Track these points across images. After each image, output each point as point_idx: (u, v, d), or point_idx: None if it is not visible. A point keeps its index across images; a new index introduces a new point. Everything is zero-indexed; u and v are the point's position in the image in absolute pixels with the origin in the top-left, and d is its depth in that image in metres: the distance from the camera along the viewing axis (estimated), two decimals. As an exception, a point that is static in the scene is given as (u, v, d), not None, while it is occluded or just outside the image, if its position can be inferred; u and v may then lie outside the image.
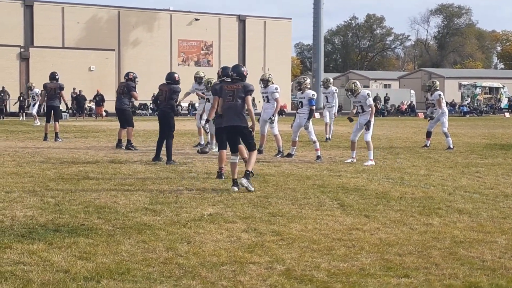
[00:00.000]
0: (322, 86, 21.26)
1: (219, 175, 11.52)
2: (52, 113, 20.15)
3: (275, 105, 15.59)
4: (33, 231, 7.06)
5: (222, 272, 5.71)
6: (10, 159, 14.39)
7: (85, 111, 44.28)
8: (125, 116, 17.38)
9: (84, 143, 19.49)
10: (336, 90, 21.28)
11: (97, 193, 9.69)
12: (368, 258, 6.20)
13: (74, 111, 43.86)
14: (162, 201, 9.06)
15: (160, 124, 14.21)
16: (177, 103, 15.27)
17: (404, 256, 6.27)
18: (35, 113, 30.51)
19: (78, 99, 43.52)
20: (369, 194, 9.96)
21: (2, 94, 40.42)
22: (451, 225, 7.74)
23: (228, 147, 10.80)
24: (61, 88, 20.26)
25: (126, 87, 17.26)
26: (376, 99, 34.93)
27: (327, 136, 20.78)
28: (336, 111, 21.57)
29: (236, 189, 10.14)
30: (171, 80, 14.34)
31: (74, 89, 45.16)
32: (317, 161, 14.68)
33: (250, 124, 10.50)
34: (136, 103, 46.48)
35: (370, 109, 14.42)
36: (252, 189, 10.06)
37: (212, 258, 6.13)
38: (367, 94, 14.56)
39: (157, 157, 14.13)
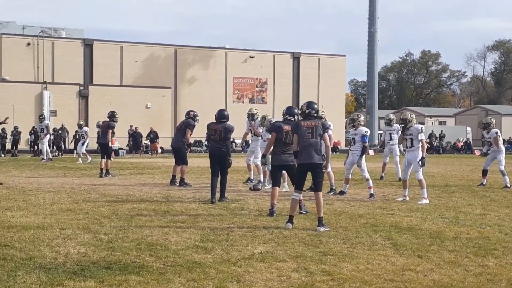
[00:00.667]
0: (385, 123, 20.75)
1: (271, 212, 11.52)
2: (101, 150, 20.75)
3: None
4: (85, 268, 7.15)
5: (271, 312, 5.66)
6: (66, 195, 14.68)
7: (142, 148, 44.94)
8: (180, 154, 17.55)
9: (139, 180, 19.75)
10: (400, 127, 20.74)
11: (149, 230, 9.77)
12: (421, 300, 6.06)
13: (131, 148, 44.61)
14: (213, 239, 9.08)
15: (214, 164, 13.77)
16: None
17: (458, 299, 6.11)
18: (83, 151, 30.96)
19: (135, 136, 44.28)
20: (422, 233, 9.78)
21: (60, 132, 41.38)
22: (507, 266, 7.52)
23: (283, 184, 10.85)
24: (109, 126, 20.58)
25: (184, 125, 17.46)
26: (431, 136, 34.40)
27: (382, 174, 20.57)
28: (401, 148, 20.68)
29: (290, 226, 10.17)
30: (225, 118, 14.01)
31: (131, 126, 45.96)
32: (370, 199, 14.53)
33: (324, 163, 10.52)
34: (191, 140, 47.01)
35: (419, 144, 14.16)
36: (328, 228, 10.04)
37: (261, 298, 6.09)
38: (421, 128, 14.35)
39: (213, 197, 13.51)
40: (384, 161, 20.73)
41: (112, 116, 20.97)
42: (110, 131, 20.63)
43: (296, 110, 11.86)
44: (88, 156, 30.18)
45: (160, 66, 56.19)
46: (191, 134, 17.55)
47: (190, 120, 17.45)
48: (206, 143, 52.42)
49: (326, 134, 10.46)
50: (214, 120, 14.11)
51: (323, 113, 16.10)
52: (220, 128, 13.73)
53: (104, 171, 20.40)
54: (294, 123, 10.87)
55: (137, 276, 6.84)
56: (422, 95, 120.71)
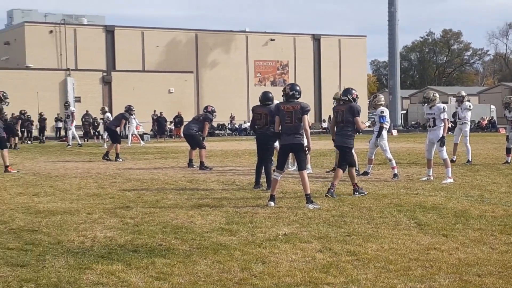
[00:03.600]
0: (456, 101, 19.38)
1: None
2: (110, 136, 22.28)
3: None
4: (112, 252, 7.25)
5: (297, 292, 5.70)
6: (92, 180, 14.83)
7: (166, 133, 45.14)
8: (193, 140, 18.05)
9: (164, 164, 19.88)
10: (471, 106, 19.50)
11: (175, 214, 9.86)
12: (446, 279, 6.06)
13: (155, 132, 44.87)
14: (238, 221, 9.14)
15: (259, 149, 13.18)
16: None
17: (484, 277, 6.10)
18: (105, 137, 31.20)
19: (159, 121, 44.53)
20: (447, 212, 9.75)
21: (87, 117, 41.74)
22: (533, 244, 7.49)
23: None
24: (124, 117, 22.22)
25: (203, 117, 18.15)
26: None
27: (453, 158, 18.65)
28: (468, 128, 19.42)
29: (272, 204, 10.43)
30: (269, 100, 12.94)
31: (154, 111, 46.19)
32: (393, 179, 14.49)
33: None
34: (215, 124, 47.14)
35: (442, 124, 14.04)
36: (319, 206, 10.24)
37: (287, 278, 6.13)
38: (443, 107, 14.15)
39: (257, 184, 13.11)
40: (455, 141, 19.23)
41: (129, 109, 22.76)
42: (124, 121, 22.32)
43: (353, 90, 12.09)
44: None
45: (181, 51, 56.29)
46: (208, 128, 18.46)
47: (209, 114, 18.06)
48: (229, 126, 52.55)
49: (305, 116, 10.52)
50: (258, 103, 13.19)
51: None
52: (265, 112, 12.78)
53: (108, 155, 21.16)
54: (276, 106, 11.20)
55: (163, 259, 6.91)
56: (445, 74, 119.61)
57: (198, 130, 18.04)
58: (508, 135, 18.30)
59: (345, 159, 11.86)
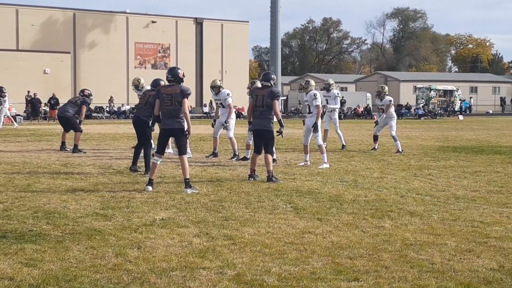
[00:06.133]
0: (323, 89, 19.51)
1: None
2: None
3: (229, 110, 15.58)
4: (-22, 238, 6.89)
5: (172, 278, 5.63)
6: (-41, 163, 14.06)
7: (40, 115, 43.59)
8: (68, 122, 17.62)
9: (37, 146, 19.17)
10: (338, 93, 19.36)
11: (47, 198, 9.51)
12: (319, 261, 6.19)
13: (29, 114, 43.23)
14: (114, 206, 8.94)
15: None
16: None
17: (355, 260, 6.28)
18: None
19: (33, 102, 42.91)
20: (322, 197, 9.98)
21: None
22: (402, 227, 7.79)
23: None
24: None
25: (81, 101, 17.72)
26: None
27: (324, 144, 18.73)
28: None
29: (150, 189, 10.37)
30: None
31: (28, 92, 44.50)
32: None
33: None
34: (92, 106, 46.01)
35: (316, 110, 14.37)
36: (197, 191, 10.25)
37: (162, 263, 6.05)
38: (314, 94, 14.44)
39: (134, 165, 12.96)
40: (325, 128, 19.16)
41: (0, 91, 22.56)
42: None
43: (272, 75, 12.13)
44: None
45: (58, 30, 54.45)
46: (85, 111, 18.17)
47: (86, 98, 17.79)
48: (107, 109, 51.53)
49: (185, 100, 10.46)
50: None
51: (220, 82, 15.95)
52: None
53: None
54: (156, 89, 11.06)
55: (33, 245, 6.64)
56: (324, 61, 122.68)
57: (74, 113, 17.64)
58: (377, 121, 18.95)
59: (269, 143, 11.88)
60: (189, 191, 10.18)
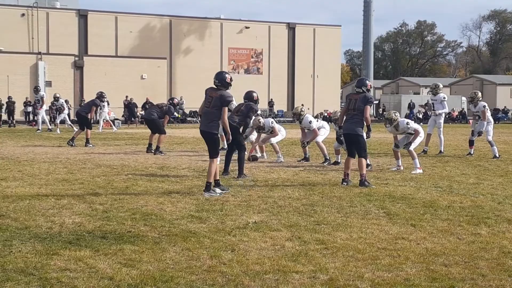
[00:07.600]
0: (430, 92, 19.34)
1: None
2: (79, 121, 21.83)
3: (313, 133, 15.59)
4: (80, 238, 7.19)
5: (265, 281, 5.71)
6: (61, 166, 14.68)
7: (137, 119, 44.82)
8: (154, 124, 18.49)
9: (134, 150, 19.75)
10: (445, 97, 19.30)
11: (144, 200, 9.81)
12: (413, 268, 6.12)
13: (126, 118, 44.56)
14: (208, 209, 9.12)
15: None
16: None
17: (450, 267, 6.17)
18: (57, 122, 31.71)
19: (130, 107, 44.20)
20: (416, 202, 9.84)
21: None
22: (499, 235, 7.58)
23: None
24: (94, 104, 21.87)
25: (166, 109, 18.67)
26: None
27: (425, 148, 18.74)
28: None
29: (207, 195, 10.38)
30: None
31: (126, 97, 45.86)
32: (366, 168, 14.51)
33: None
34: (187, 111, 46.94)
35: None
36: (216, 194, 10.32)
37: (256, 266, 6.13)
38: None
39: (226, 171, 13.25)
40: (428, 132, 18.98)
41: (100, 96, 22.49)
42: (95, 108, 22.09)
43: (366, 82, 12.08)
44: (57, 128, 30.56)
45: (155, 37, 55.86)
46: (168, 120, 19.22)
47: (172, 107, 18.81)
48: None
49: (224, 108, 10.46)
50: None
51: (302, 109, 15.73)
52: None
53: (73, 141, 21.07)
54: (205, 90, 10.94)
55: (132, 246, 6.87)
56: (418, 65, 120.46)
57: (158, 117, 18.52)
58: (473, 129, 18.39)
59: (361, 147, 11.86)
60: (206, 195, 10.26)
